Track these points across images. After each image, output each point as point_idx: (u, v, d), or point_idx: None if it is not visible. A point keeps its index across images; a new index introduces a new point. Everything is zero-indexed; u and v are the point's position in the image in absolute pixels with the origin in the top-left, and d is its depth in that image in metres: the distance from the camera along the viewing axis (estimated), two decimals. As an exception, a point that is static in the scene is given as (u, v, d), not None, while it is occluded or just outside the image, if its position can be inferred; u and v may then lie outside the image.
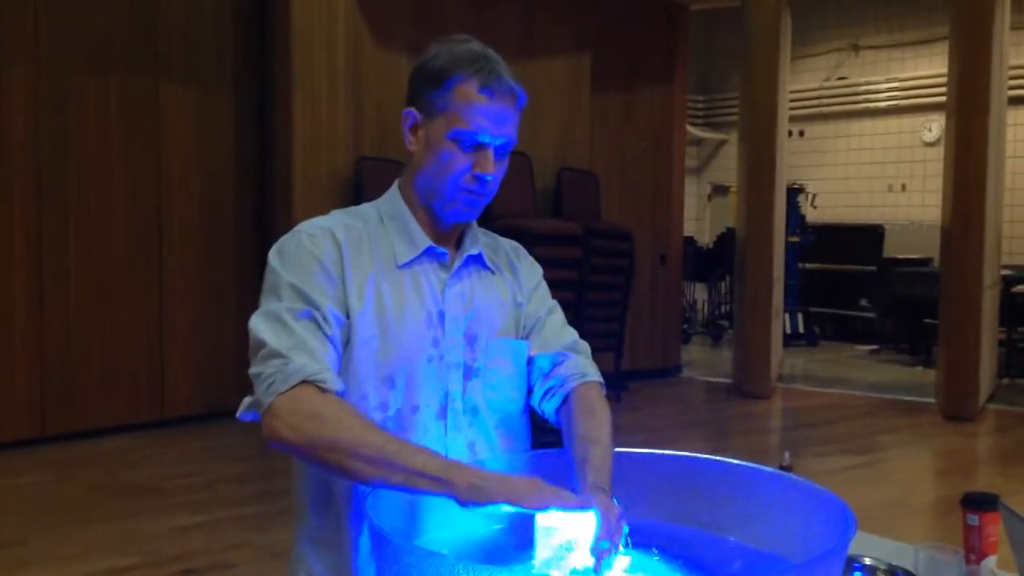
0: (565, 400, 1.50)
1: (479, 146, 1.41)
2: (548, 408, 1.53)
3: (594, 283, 6.29)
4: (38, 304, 5.03)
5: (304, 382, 1.28)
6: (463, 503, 1.19)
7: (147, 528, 3.76)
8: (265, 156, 5.82)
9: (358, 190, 5.62)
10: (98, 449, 5.01)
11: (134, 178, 5.35)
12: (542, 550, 1.16)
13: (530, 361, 1.54)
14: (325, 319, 1.36)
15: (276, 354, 1.31)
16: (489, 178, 1.42)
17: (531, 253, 1.67)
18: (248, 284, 5.68)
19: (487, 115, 1.40)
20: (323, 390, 1.29)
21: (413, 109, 1.46)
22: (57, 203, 5.08)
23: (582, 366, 1.54)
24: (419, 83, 1.45)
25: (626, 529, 1.22)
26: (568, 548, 1.15)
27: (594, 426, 1.42)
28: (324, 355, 1.33)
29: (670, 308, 7.71)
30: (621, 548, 1.20)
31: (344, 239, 1.43)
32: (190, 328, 5.59)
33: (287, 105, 5.60)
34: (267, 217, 5.79)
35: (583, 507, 1.18)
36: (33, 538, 3.63)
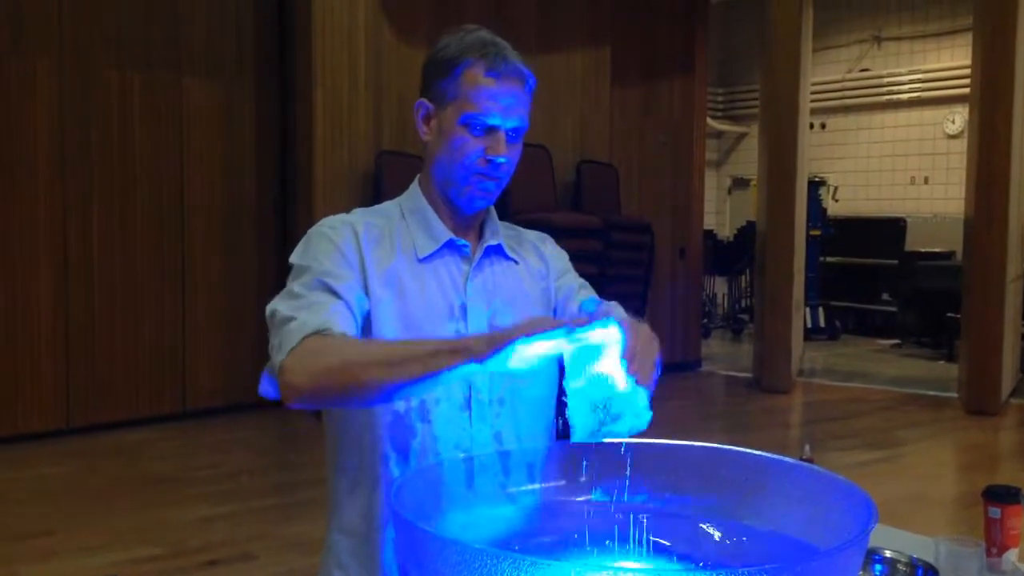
0: None
1: (490, 129, 1.42)
2: None
3: (613, 276, 6.28)
4: (63, 298, 5.08)
5: (308, 336, 1.29)
6: (484, 359, 1.15)
7: (171, 519, 3.79)
8: (286, 150, 5.84)
9: (378, 184, 5.64)
10: (122, 441, 5.06)
11: (157, 172, 5.39)
12: (574, 379, 1.15)
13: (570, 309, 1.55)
14: (339, 280, 1.37)
15: (285, 319, 1.33)
16: (502, 160, 1.43)
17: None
18: (269, 277, 5.71)
19: (495, 97, 1.41)
20: (328, 336, 1.29)
21: (425, 100, 1.48)
22: (81, 197, 5.12)
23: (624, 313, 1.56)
24: (430, 73, 1.47)
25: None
26: (596, 360, 1.12)
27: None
28: (330, 310, 1.34)
29: (690, 302, 7.69)
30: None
31: (364, 234, 1.45)
32: (212, 321, 5.63)
33: (308, 99, 5.62)
34: (288, 211, 5.82)
35: (602, 321, 1.16)
36: (58, 529, 3.67)
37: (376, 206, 1.55)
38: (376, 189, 5.61)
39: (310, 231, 1.47)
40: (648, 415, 1.17)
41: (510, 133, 1.44)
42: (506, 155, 1.43)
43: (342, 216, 1.49)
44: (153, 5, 5.34)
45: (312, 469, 4.24)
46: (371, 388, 1.23)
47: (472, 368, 1.16)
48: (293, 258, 1.45)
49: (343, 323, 1.33)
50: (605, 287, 6.13)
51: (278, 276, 6.01)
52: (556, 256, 1.63)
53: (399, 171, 5.58)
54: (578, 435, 1.17)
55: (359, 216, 1.49)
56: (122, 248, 5.29)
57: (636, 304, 6.57)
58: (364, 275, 1.41)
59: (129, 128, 5.29)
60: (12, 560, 3.34)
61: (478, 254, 1.51)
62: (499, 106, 1.42)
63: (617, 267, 6.29)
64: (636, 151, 7.26)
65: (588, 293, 1.60)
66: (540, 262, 1.60)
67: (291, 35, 5.77)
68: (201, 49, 5.54)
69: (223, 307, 5.67)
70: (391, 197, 1.58)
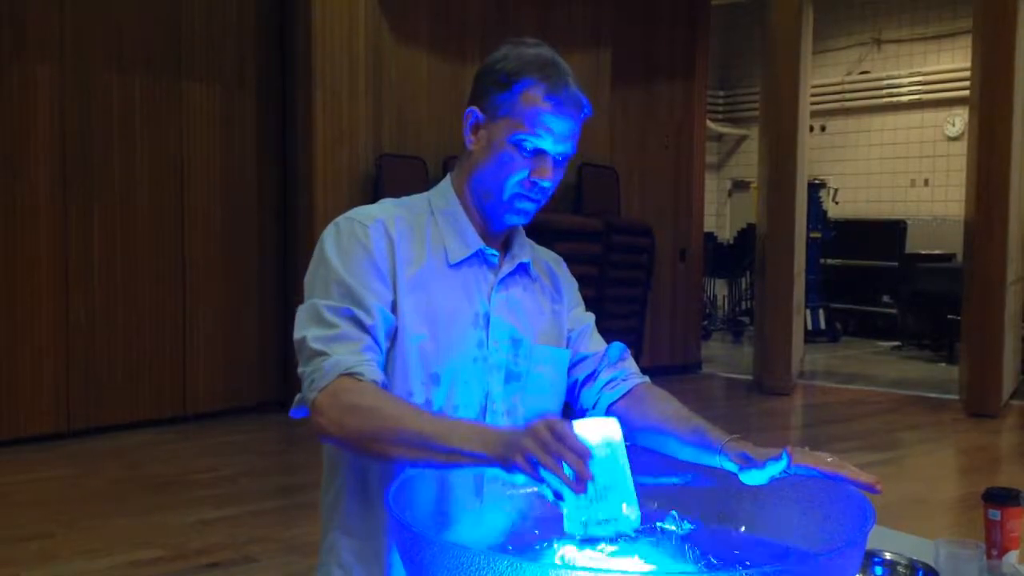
0: (627, 393, 1.52)
1: (539, 153, 1.42)
2: (605, 397, 1.53)
3: (614, 279, 6.28)
4: (63, 300, 5.08)
5: (342, 375, 1.30)
6: (507, 469, 1.16)
7: (171, 521, 3.79)
8: (287, 153, 5.84)
9: (379, 187, 5.64)
10: (122, 444, 5.06)
11: (158, 176, 5.39)
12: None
13: (583, 358, 1.57)
14: (368, 313, 1.37)
15: (317, 352, 1.33)
16: (547, 184, 1.44)
17: (551, 249, 1.68)
18: (270, 280, 5.71)
19: (551, 123, 1.40)
20: (360, 381, 1.30)
21: (476, 108, 1.46)
22: (82, 200, 5.12)
23: (637, 368, 1.59)
24: (485, 83, 1.45)
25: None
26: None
27: (681, 406, 1.47)
28: (362, 348, 1.34)
29: (690, 304, 7.69)
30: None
31: (397, 233, 1.44)
32: (212, 324, 5.63)
33: (308, 102, 5.62)
34: (289, 214, 5.82)
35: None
36: (58, 531, 3.67)
37: (403, 199, 1.53)
38: (376, 191, 5.61)
39: (343, 226, 1.44)
40: (636, 521, 1.18)
41: (558, 158, 1.44)
42: (551, 179, 1.44)
43: (375, 211, 1.47)
44: (154, 9, 5.35)
45: (312, 472, 4.23)
46: (397, 461, 1.28)
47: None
48: (326, 247, 1.42)
49: (373, 366, 1.34)
50: (606, 289, 6.16)
51: (278, 279, 6.02)
52: (569, 285, 1.63)
53: (399, 173, 5.59)
54: (568, 524, 1.16)
55: (390, 211, 1.48)
56: (122, 251, 5.28)
57: (636, 307, 6.57)
58: (394, 283, 1.41)
59: (130, 131, 5.28)
60: (12, 563, 3.34)
61: (507, 267, 1.51)
62: (553, 132, 1.41)
63: (617, 270, 6.29)
64: (637, 154, 7.27)
65: (595, 332, 1.62)
66: (551, 284, 1.60)
67: (291, 38, 5.78)
68: (202, 54, 5.54)
69: (223, 310, 5.66)
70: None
